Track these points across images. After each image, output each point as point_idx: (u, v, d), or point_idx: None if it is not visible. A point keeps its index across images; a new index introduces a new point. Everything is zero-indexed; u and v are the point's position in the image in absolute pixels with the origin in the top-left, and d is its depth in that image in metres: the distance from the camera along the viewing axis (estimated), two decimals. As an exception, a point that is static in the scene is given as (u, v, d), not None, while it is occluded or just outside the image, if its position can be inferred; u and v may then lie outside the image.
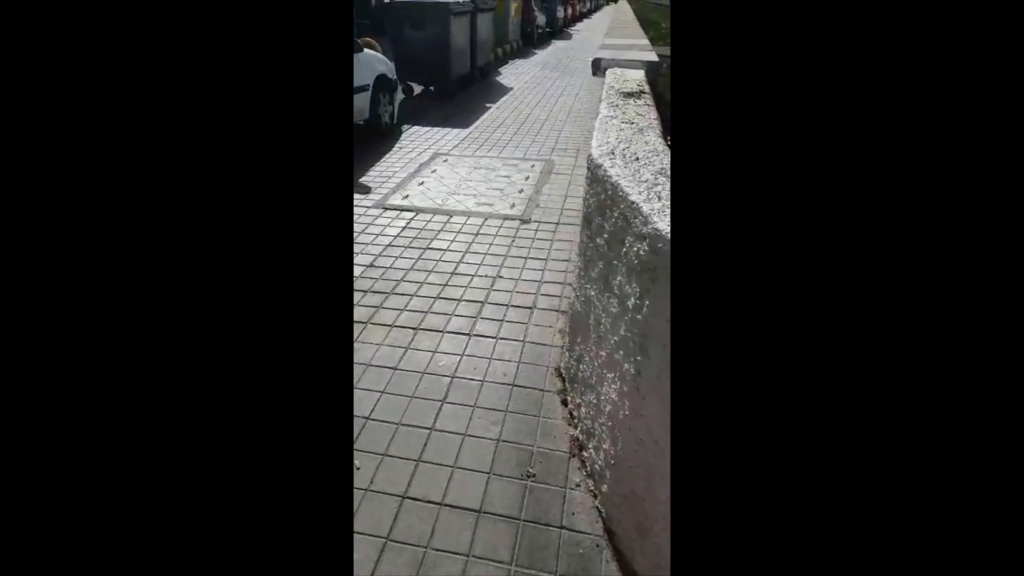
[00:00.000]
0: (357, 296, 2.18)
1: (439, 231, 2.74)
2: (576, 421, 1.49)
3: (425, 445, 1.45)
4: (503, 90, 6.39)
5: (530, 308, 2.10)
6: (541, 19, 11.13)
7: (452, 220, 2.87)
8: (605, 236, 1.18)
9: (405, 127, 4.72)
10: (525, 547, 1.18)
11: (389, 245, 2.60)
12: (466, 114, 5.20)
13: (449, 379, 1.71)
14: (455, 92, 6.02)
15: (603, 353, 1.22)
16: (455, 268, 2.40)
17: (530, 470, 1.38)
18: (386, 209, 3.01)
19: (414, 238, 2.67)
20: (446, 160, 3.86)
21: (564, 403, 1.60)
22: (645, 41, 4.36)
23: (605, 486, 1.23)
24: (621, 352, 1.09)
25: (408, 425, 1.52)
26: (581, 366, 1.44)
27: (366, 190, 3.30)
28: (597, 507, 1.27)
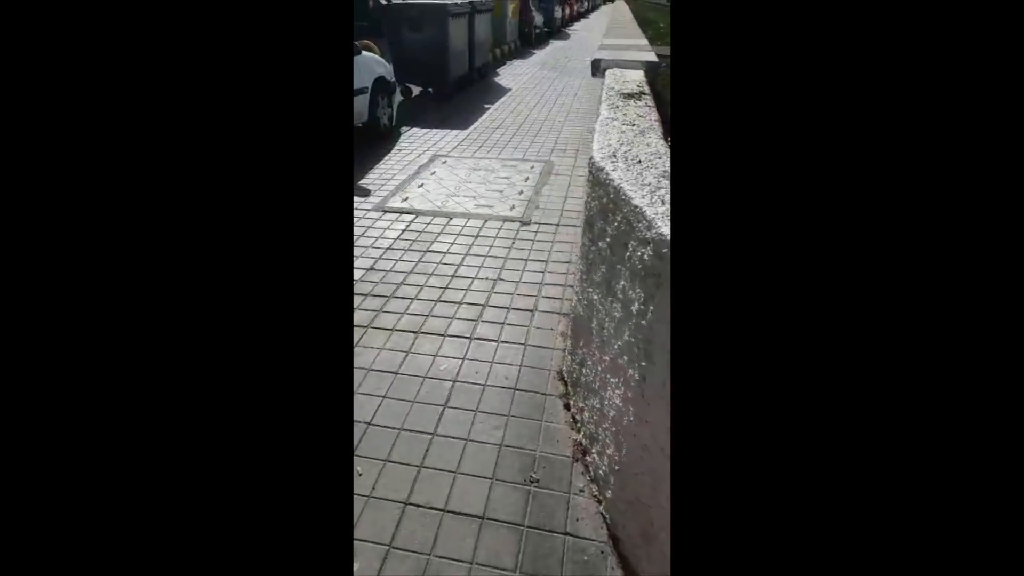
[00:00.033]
0: (357, 300, 2.17)
1: (439, 233, 2.73)
2: (579, 425, 1.48)
3: (427, 450, 1.44)
4: (501, 91, 6.38)
5: (531, 311, 2.09)
6: (539, 19, 11.13)
7: (452, 222, 2.86)
8: (608, 240, 1.17)
9: (404, 129, 4.71)
10: (529, 554, 1.17)
11: (389, 248, 2.59)
12: (465, 115, 5.20)
13: (451, 383, 1.70)
14: (453, 93, 6.01)
15: (606, 358, 1.21)
16: (455, 271, 2.39)
17: (533, 475, 1.37)
18: (385, 212, 3.00)
19: (414, 241, 2.66)
20: (445, 162, 3.85)
21: (567, 407, 1.59)
22: (644, 41, 4.36)
23: (609, 492, 1.22)
24: (625, 357, 1.08)
25: (410, 430, 1.51)
26: (584, 370, 1.43)
27: (365, 193, 3.29)
28: (601, 513, 1.26)
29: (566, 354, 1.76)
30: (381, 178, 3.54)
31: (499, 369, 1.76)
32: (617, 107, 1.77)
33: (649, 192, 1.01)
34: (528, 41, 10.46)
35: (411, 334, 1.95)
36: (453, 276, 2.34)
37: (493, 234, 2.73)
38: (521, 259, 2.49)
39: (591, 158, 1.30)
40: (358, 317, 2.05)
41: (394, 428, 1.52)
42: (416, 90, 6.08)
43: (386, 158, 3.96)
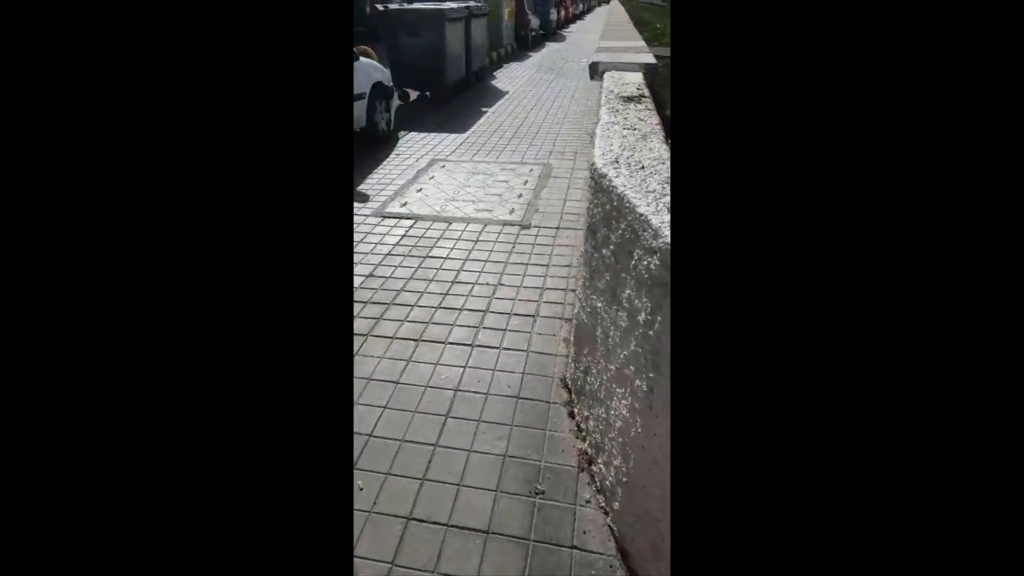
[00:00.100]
0: (357, 308, 2.14)
1: (439, 238, 2.71)
2: (584, 434, 1.46)
3: (430, 462, 1.42)
4: (499, 94, 6.37)
5: (533, 316, 2.07)
6: (534, 22, 11.14)
7: (451, 227, 2.84)
8: (611, 247, 1.15)
9: (402, 133, 4.69)
10: (536, 569, 1.15)
11: (388, 254, 2.56)
12: (462, 119, 5.18)
13: (452, 392, 1.67)
14: (451, 97, 6.00)
15: (612, 367, 1.18)
16: (456, 276, 2.36)
17: (538, 487, 1.34)
18: (385, 217, 2.97)
19: (413, 246, 2.64)
20: (444, 166, 3.83)
21: (571, 415, 1.57)
22: (641, 43, 4.34)
23: (617, 503, 1.20)
24: (632, 367, 1.06)
25: (411, 442, 1.49)
26: (588, 378, 1.41)
27: (364, 198, 3.27)
28: (609, 525, 1.24)
29: (570, 361, 1.73)
30: (380, 183, 3.52)
31: (501, 377, 1.74)
32: (617, 111, 1.75)
33: (654, 200, 0.99)
34: (524, 44, 10.47)
35: (412, 342, 1.92)
36: (453, 282, 2.32)
37: (493, 238, 2.71)
38: (522, 263, 2.47)
39: (593, 164, 1.28)
40: (357, 325, 2.02)
41: (395, 440, 1.49)
42: (413, 94, 6.07)
43: (384, 163, 3.94)
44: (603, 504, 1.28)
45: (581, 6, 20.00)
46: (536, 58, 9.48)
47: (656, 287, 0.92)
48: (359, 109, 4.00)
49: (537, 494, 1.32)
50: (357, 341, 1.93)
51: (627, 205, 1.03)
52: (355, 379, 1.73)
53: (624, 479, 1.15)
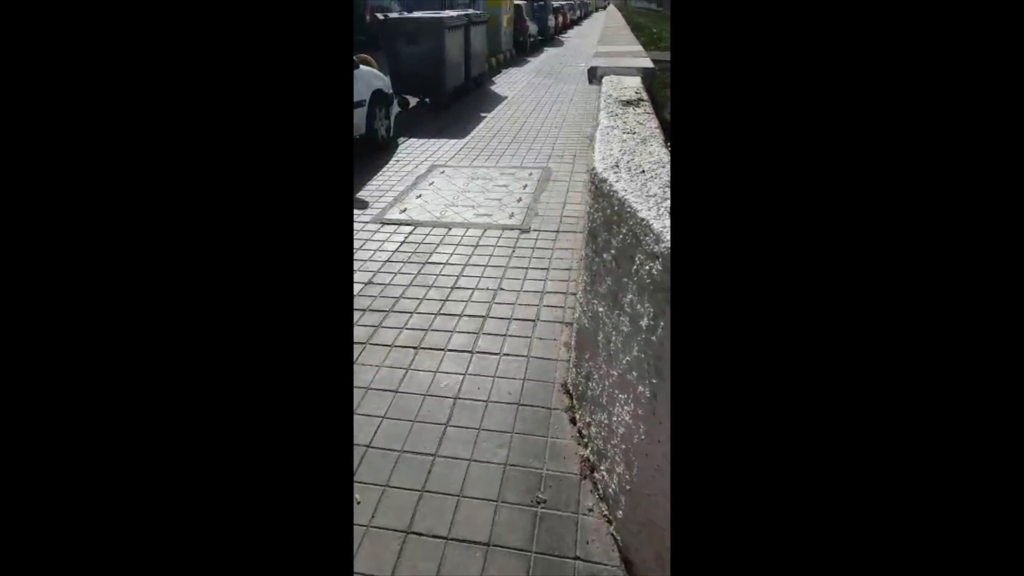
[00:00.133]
0: (356, 315, 2.13)
1: (438, 244, 2.70)
2: (586, 440, 1.43)
3: (429, 473, 1.39)
4: (498, 99, 6.38)
5: (533, 321, 2.05)
6: (533, 28, 11.21)
7: (451, 232, 2.82)
8: (613, 252, 1.13)
9: (401, 140, 4.70)
10: (538, 581, 1.12)
11: (388, 261, 2.55)
12: (462, 124, 5.19)
13: (452, 400, 1.65)
14: (450, 103, 6.01)
15: (614, 373, 1.16)
16: (455, 282, 2.35)
17: (540, 496, 1.32)
18: (384, 224, 2.96)
19: (413, 252, 2.62)
20: (443, 172, 3.83)
21: (572, 421, 1.54)
22: (638, 47, 4.36)
23: (620, 512, 1.17)
24: (634, 373, 1.04)
25: (411, 452, 1.46)
26: (590, 384, 1.39)
27: (364, 205, 3.26)
28: (612, 534, 1.21)
29: (571, 366, 1.71)
30: (379, 189, 3.52)
31: (502, 384, 1.72)
32: (616, 115, 1.74)
33: (655, 204, 0.98)
34: (523, 49, 10.52)
35: (411, 350, 1.90)
36: (453, 287, 2.30)
37: (493, 243, 2.69)
38: (521, 267, 2.45)
39: (593, 168, 1.27)
40: (356, 333, 2.00)
41: (394, 450, 1.47)
42: (413, 101, 6.09)
43: (384, 169, 3.93)
44: (606, 512, 1.25)
45: (578, 12, 20.14)
46: (535, 63, 9.52)
47: (658, 292, 0.90)
48: (359, 116, 4.01)
49: (539, 503, 1.30)
50: (356, 349, 1.91)
51: (628, 209, 1.01)
52: (354, 388, 1.71)
53: (627, 487, 1.12)
